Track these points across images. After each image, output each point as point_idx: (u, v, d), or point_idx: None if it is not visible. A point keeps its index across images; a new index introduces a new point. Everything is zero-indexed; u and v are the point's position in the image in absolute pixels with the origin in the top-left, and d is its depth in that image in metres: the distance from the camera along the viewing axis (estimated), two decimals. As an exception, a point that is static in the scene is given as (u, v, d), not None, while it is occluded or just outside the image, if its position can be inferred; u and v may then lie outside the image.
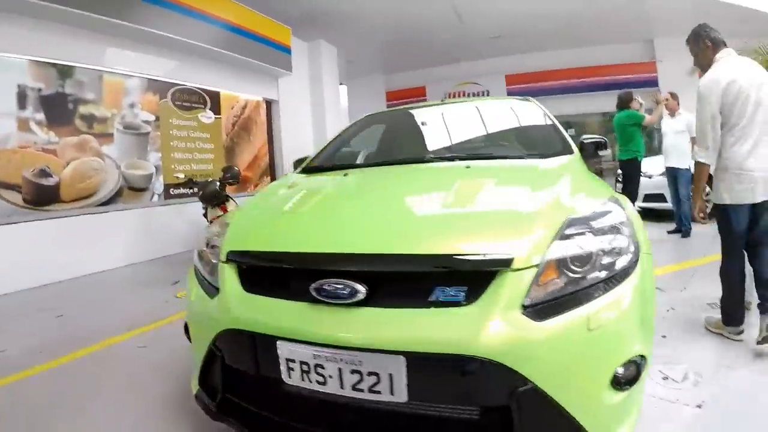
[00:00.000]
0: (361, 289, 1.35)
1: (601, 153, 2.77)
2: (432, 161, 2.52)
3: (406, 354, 1.27)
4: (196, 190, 6.51)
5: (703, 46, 2.94)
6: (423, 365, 1.28)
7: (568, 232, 1.43)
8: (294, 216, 1.90)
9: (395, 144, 3.27)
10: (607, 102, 9.89)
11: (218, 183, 5.77)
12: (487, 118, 3.18)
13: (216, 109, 8.24)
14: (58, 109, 5.69)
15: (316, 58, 11.12)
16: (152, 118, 6.96)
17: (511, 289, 1.28)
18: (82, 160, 5.91)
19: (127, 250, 6.38)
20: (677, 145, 6.12)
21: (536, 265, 1.32)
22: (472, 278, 1.33)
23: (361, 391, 1.33)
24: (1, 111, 5.12)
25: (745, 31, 11.07)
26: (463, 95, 14.77)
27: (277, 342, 1.43)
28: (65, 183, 5.71)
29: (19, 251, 5.14)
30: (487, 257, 1.33)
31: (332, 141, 3.34)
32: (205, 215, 6.18)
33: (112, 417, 2.28)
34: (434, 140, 3.10)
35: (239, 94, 8.90)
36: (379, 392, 1.32)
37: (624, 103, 6.22)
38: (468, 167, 2.21)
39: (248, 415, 1.61)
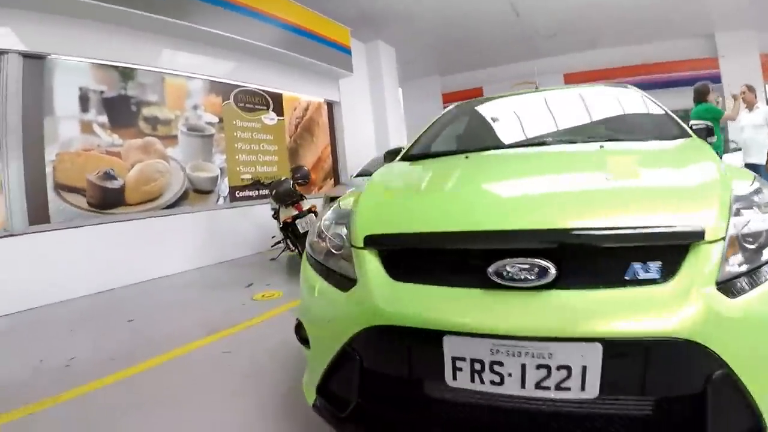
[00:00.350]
0: (552, 269, 1.18)
1: (709, 140, 2.52)
2: (555, 144, 2.37)
3: (603, 341, 1.09)
4: (268, 189, 6.17)
5: None
6: (619, 353, 1.11)
7: (737, 206, 1.31)
8: (440, 195, 1.71)
9: (504, 130, 2.99)
10: (668, 99, 8.80)
11: (291, 181, 5.41)
12: (591, 103, 2.99)
13: (279, 110, 7.97)
14: (121, 112, 5.51)
15: (374, 59, 10.78)
16: (216, 120, 6.73)
17: (705, 264, 1.16)
18: (146, 163, 5.69)
19: (193, 254, 6.09)
20: (757, 140, 5.73)
21: (723, 239, 1.20)
22: (666, 253, 1.19)
23: (546, 389, 1.15)
24: (64, 114, 4.95)
25: None
26: None
27: (444, 338, 1.21)
28: (130, 186, 5.49)
29: (84, 255, 4.90)
30: (684, 229, 1.20)
31: (425, 131, 3.11)
32: (275, 216, 5.83)
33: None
34: (545, 125, 2.86)
35: (301, 95, 8.60)
36: (567, 389, 1.14)
37: (701, 96, 5.92)
38: (602, 147, 2.01)
39: (388, 424, 1.41)
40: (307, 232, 4.83)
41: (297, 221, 5.01)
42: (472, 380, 1.20)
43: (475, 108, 3.34)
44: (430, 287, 1.29)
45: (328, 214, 1.80)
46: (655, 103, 2.83)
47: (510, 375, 1.16)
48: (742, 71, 11.43)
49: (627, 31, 12.15)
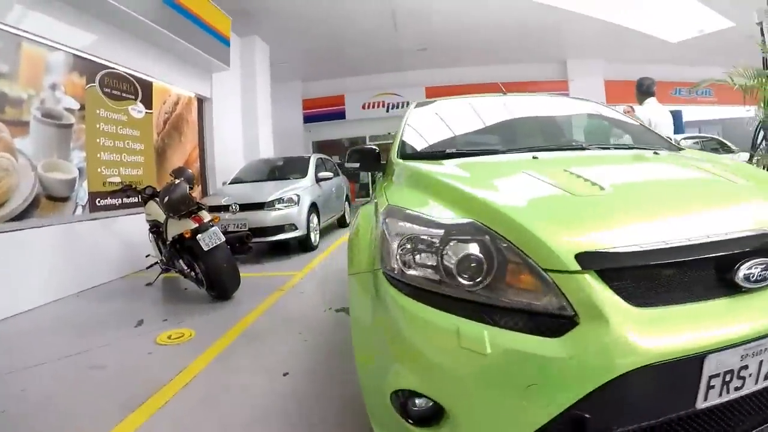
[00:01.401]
0: None
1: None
2: (611, 149, 2.41)
3: None
4: (144, 196, 4.93)
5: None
6: None
7: None
8: (621, 200, 1.40)
9: (534, 131, 2.90)
10: None
11: (186, 186, 4.30)
12: (585, 112, 3.17)
13: (147, 102, 6.59)
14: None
15: (249, 55, 9.83)
16: (77, 106, 5.23)
17: None
18: (-16, 157, 4.12)
19: (49, 282, 4.58)
20: None
21: None
22: None
23: None
24: None
25: (648, 57, 12.74)
26: (382, 105, 14.75)
27: (705, 359, 1.07)
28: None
29: None
30: None
31: (416, 130, 2.74)
32: (155, 230, 4.72)
33: None
34: (557, 132, 3.00)
35: (172, 86, 7.29)
36: None
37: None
38: (657, 153, 2.17)
39: None
40: (214, 249, 4.01)
41: (199, 236, 3.97)
42: (720, 394, 1.11)
43: (477, 106, 3.12)
44: (677, 307, 1.12)
45: (432, 231, 1.32)
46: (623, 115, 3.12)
47: (750, 375, 1.12)
48: (588, 94, 13.10)
49: (490, 52, 13.12)
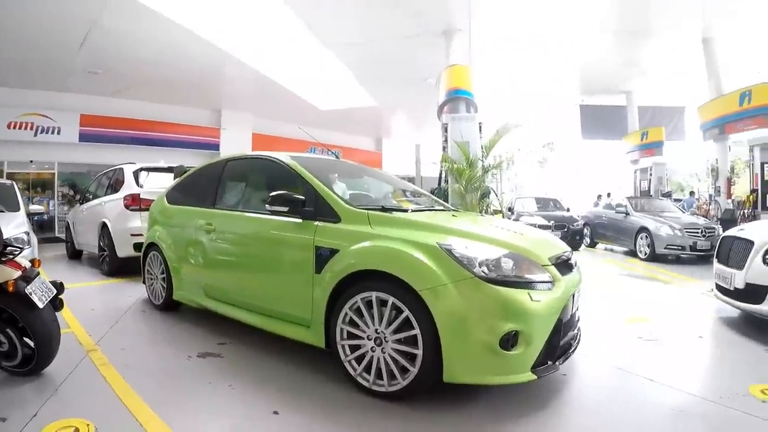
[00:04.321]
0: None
1: None
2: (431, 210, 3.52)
3: None
4: None
5: None
6: None
7: None
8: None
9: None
10: (175, 158, 10.31)
11: None
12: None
13: None
14: None
15: None
16: None
17: None
18: None
19: None
20: None
21: None
22: None
23: None
24: None
25: (298, 118, 13.88)
26: (31, 127, 12.10)
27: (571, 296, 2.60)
28: None
29: None
30: None
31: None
32: None
33: None
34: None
35: None
36: None
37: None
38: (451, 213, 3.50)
39: None
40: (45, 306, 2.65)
41: (28, 289, 2.55)
42: (571, 310, 2.64)
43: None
44: (569, 275, 2.66)
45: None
46: None
47: (573, 303, 2.69)
48: (237, 143, 14.62)
49: (157, 89, 12.90)
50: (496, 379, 2.22)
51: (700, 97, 12.41)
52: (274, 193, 2.84)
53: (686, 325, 4.17)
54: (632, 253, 9.32)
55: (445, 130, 9.61)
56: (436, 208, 3.69)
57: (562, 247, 2.88)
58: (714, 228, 8.58)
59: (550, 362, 2.36)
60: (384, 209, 2.93)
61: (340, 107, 15.44)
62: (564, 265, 2.63)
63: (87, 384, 2.66)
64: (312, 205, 2.86)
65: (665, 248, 8.43)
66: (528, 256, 2.45)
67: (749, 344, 3.54)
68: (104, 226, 6.15)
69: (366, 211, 2.78)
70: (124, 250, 5.83)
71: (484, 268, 2.26)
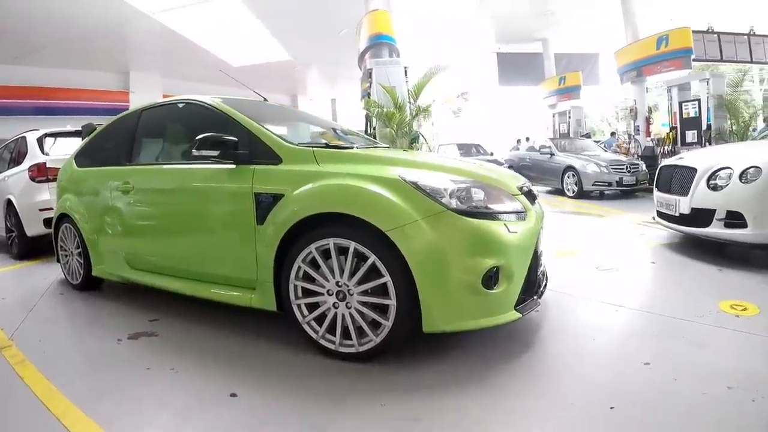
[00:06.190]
0: None
1: None
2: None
3: None
4: None
5: None
6: None
7: None
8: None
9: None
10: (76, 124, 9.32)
11: None
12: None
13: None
14: None
15: None
16: None
17: None
18: None
19: None
20: None
21: None
22: None
23: None
24: None
25: (210, 77, 11.65)
26: None
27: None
28: None
29: None
30: None
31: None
32: None
33: None
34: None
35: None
36: None
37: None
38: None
39: None
40: None
41: None
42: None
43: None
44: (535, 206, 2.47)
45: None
46: None
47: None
48: None
49: (58, 53, 11.69)
50: (480, 322, 1.93)
51: (615, 44, 12.74)
52: (200, 136, 2.31)
53: (635, 253, 4.16)
54: (559, 192, 9.42)
55: (369, 75, 9.09)
56: (380, 146, 3.39)
57: (522, 178, 2.64)
58: (638, 164, 8.86)
59: (530, 298, 2.12)
60: (329, 146, 2.54)
61: (254, 62, 14.56)
62: (529, 195, 2.39)
63: (1, 391, 2.07)
64: (246, 147, 2.38)
65: (593, 185, 8.61)
66: (497, 185, 2.18)
67: (701, 266, 3.54)
68: (9, 203, 5.30)
69: (311, 147, 2.35)
70: (33, 228, 5.03)
71: (455, 200, 1.94)
